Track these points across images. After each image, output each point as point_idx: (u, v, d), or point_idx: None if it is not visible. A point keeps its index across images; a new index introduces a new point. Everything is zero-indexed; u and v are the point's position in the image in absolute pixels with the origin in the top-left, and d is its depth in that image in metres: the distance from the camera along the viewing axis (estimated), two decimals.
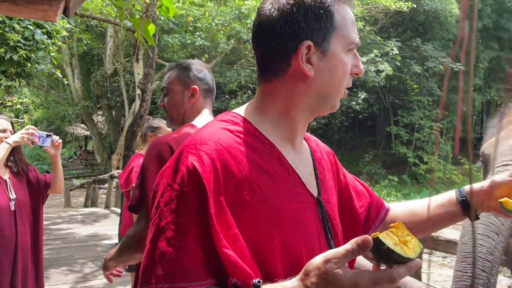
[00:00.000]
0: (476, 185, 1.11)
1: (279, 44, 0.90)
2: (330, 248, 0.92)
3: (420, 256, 0.81)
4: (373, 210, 1.18)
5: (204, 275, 0.77)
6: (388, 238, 0.71)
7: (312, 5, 0.89)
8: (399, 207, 1.24)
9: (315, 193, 0.97)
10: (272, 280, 0.79)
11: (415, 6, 13.06)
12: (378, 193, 12.88)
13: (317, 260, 0.72)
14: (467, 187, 1.13)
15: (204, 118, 1.74)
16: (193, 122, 1.72)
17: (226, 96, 15.24)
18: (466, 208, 1.10)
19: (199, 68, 1.81)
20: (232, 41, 14.79)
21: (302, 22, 0.89)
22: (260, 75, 0.96)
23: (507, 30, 18.22)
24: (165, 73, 1.85)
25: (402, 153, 16.06)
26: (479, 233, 1.54)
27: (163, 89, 1.81)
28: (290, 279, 0.76)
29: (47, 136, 2.51)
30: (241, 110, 0.97)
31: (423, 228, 1.16)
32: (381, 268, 0.74)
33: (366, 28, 16.22)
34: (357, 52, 0.95)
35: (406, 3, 12.56)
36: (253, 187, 0.84)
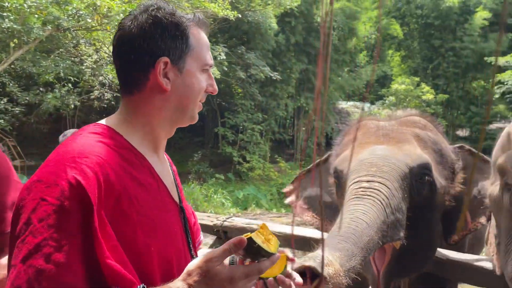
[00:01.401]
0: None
1: (137, 58, 0.97)
2: (191, 252, 1.04)
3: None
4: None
5: None
6: (258, 238, 0.86)
7: (169, 26, 0.97)
8: None
9: (177, 201, 1.06)
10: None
11: (240, 16, 14.02)
12: (206, 191, 13.31)
13: (198, 260, 0.84)
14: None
15: None
16: None
17: (41, 89, 13.41)
18: None
19: None
20: (49, 27, 13.14)
21: (159, 41, 0.97)
22: (122, 87, 1.01)
23: (314, 47, 21.31)
24: None
25: (228, 152, 17.06)
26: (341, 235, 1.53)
27: None
28: (172, 281, 0.84)
29: None
30: (107, 122, 0.99)
31: None
32: (245, 262, 0.89)
33: None
34: (211, 73, 1.07)
35: (233, 12, 13.40)
36: (131, 199, 0.88)
